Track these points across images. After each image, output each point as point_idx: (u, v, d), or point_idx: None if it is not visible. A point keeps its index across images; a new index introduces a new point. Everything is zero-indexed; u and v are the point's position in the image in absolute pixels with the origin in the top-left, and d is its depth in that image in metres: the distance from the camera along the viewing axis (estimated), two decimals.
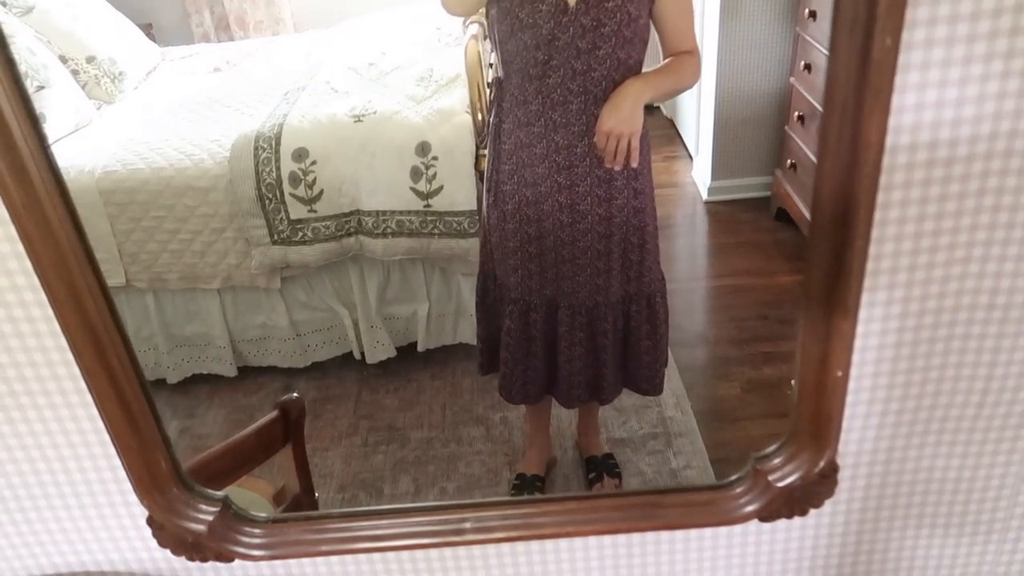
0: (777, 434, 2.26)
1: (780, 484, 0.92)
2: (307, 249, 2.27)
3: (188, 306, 2.43)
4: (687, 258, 3.06)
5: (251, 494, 1.51)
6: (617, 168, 1.56)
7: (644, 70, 1.61)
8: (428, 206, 2.24)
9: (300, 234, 2.27)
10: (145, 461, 0.88)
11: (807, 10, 2.66)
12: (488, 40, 1.66)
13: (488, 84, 1.77)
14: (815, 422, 0.89)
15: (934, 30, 0.74)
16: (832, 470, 0.92)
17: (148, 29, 3.36)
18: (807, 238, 0.80)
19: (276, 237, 2.28)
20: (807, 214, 2.76)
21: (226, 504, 0.93)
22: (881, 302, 0.86)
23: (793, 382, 0.91)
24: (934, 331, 0.89)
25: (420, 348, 2.48)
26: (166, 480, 0.90)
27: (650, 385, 1.95)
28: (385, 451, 2.25)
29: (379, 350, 2.46)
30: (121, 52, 2.96)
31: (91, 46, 2.83)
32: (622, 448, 2.15)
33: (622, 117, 1.51)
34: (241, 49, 3.26)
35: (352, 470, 2.20)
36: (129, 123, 2.59)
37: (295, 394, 1.24)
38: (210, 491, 0.94)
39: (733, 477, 0.95)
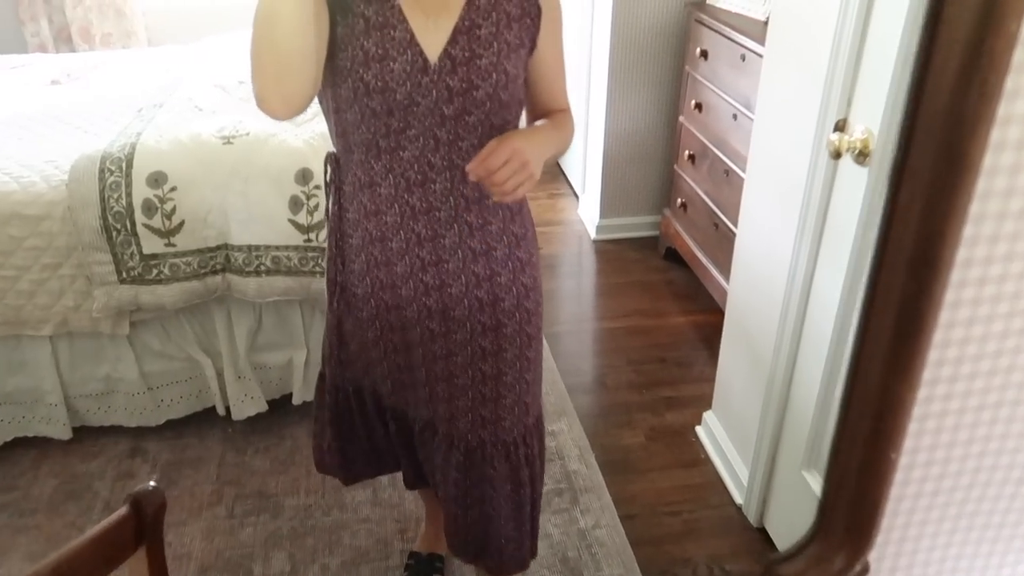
0: (685, 486, 2.11)
1: None
2: (163, 289, 1.91)
3: (11, 356, 1.99)
4: (576, 298, 2.89)
5: None
6: (506, 199, 1.09)
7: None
8: (309, 241, 1.93)
9: (155, 271, 1.90)
10: None
11: (698, 49, 2.59)
12: (320, 105, 1.21)
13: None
14: (855, 515, 0.69)
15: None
16: (864, 571, 0.73)
17: None
18: (864, 297, 0.61)
19: (125, 275, 1.89)
20: (698, 253, 2.63)
21: None
22: (933, 362, 0.68)
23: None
24: (983, 397, 0.72)
25: (296, 401, 2.15)
26: None
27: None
28: (255, 523, 1.90)
29: (247, 404, 2.11)
30: None
31: None
32: None
33: (531, 148, 1.08)
34: (86, 61, 2.83)
35: (215, 547, 1.83)
36: None
37: (152, 483, 0.92)
38: None
39: None
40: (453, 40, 1.10)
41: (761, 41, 2.20)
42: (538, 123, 1.24)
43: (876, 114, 1.33)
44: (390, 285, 1.25)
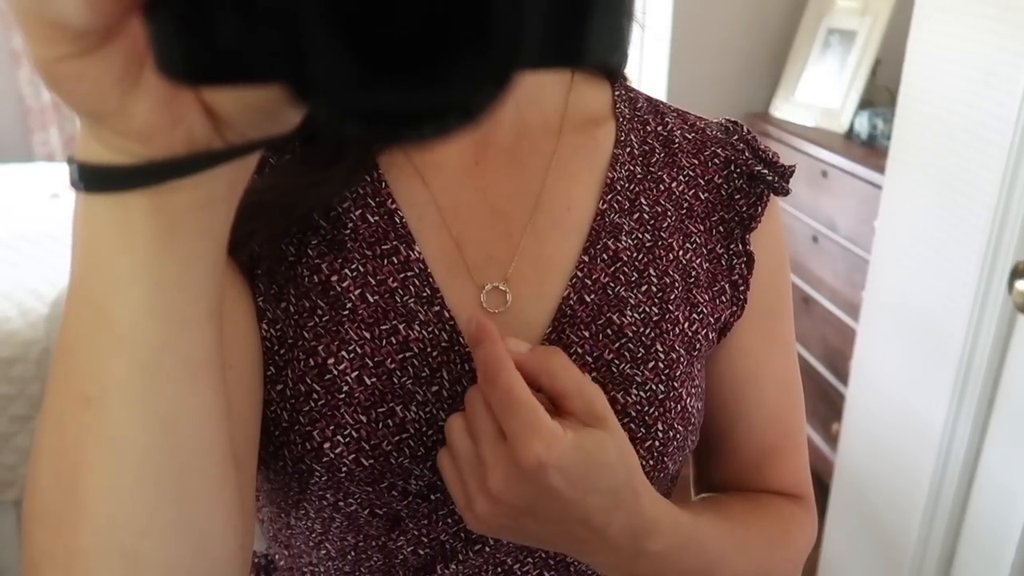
0: None
1: None
2: None
3: None
4: None
5: None
6: None
7: None
8: None
9: None
10: None
11: None
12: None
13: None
14: None
15: None
16: None
17: None
18: None
19: None
20: None
21: None
22: None
23: None
24: None
25: None
26: None
27: None
28: None
29: None
30: None
31: None
32: None
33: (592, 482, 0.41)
34: None
35: None
36: None
37: None
38: None
39: None
40: (560, 318, 0.48)
41: (844, 155, 1.92)
42: (705, 496, 0.60)
43: None
44: None
